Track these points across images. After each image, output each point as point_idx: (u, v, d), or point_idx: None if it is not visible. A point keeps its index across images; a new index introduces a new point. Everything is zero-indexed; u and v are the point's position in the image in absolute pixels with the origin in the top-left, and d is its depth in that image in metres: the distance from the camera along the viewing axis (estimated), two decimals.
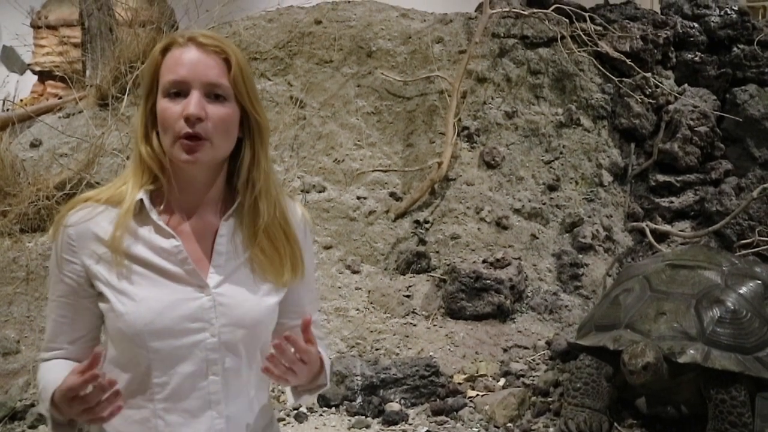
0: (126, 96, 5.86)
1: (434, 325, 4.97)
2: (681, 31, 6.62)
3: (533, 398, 4.22)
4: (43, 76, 11.37)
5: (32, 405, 4.07)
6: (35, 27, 11.39)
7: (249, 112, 1.79)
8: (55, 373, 1.73)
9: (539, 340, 4.91)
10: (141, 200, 1.76)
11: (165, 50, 1.76)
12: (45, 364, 1.82)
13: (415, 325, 4.96)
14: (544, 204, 5.89)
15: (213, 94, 1.73)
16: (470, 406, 4.18)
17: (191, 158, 1.71)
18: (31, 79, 11.61)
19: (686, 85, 6.48)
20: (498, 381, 4.46)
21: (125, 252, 1.74)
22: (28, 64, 11.60)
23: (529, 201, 5.86)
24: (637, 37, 6.34)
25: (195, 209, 1.82)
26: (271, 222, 1.83)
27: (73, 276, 1.76)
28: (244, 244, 1.83)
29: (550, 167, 6.07)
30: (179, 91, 1.71)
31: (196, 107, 1.69)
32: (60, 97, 7.91)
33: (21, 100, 8.47)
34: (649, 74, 6.28)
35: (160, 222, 1.77)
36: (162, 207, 1.80)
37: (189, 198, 1.81)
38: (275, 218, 1.84)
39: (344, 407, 4.18)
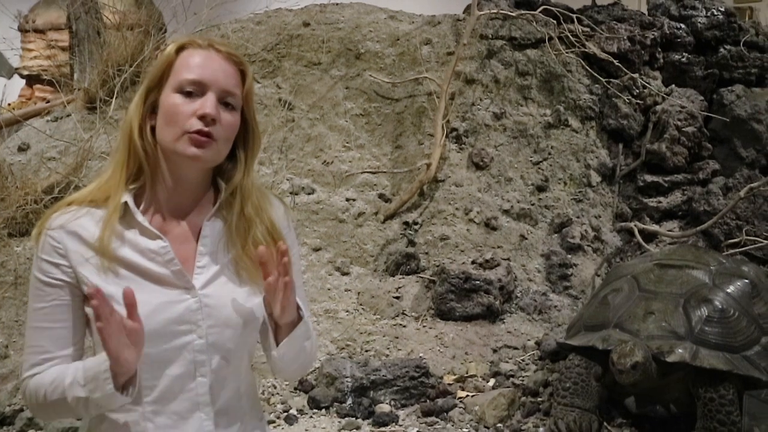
0: (114, 99, 5.84)
1: (424, 326, 4.98)
2: (668, 32, 6.64)
3: (523, 398, 4.22)
4: (31, 79, 11.30)
5: (21, 410, 4.05)
6: (23, 31, 11.34)
7: (249, 124, 1.85)
8: (75, 365, 1.70)
9: (529, 340, 4.92)
10: (126, 202, 1.76)
11: (180, 49, 1.79)
12: (49, 371, 1.73)
13: (404, 327, 4.96)
14: (532, 205, 5.91)
15: (225, 102, 1.77)
16: (460, 407, 4.19)
17: (198, 153, 1.73)
18: (18, 83, 11.55)
19: (673, 85, 6.50)
20: (488, 381, 4.47)
21: (112, 255, 1.73)
22: (16, 68, 11.53)
23: (518, 202, 5.88)
24: (625, 38, 6.36)
25: (179, 211, 1.83)
26: (258, 228, 1.85)
27: (65, 277, 1.74)
28: (228, 246, 1.83)
29: (539, 168, 6.08)
30: (194, 91, 1.74)
31: (213, 108, 1.73)
32: (48, 101, 7.87)
33: (9, 104, 8.43)
34: (636, 75, 6.31)
35: (146, 224, 1.77)
36: (145, 207, 1.80)
37: (177, 198, 1.82)
38: (263, 224, 1.86)
39: (334, 409, 4.17)
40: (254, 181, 1.89)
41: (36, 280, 1.76)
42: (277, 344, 1.83)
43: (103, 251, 1.73)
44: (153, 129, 1.79)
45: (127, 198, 1.77)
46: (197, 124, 1.72)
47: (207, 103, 1.73)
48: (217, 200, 1.86)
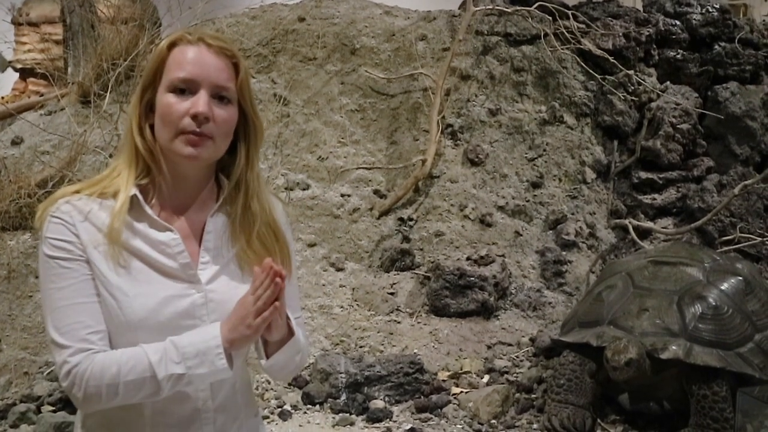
0: (108, 93, 5.82)
1: (418, 323, 4.98)
2: (663, 28, 6.65)
3: (517, 395, 4.23)
4: (25, 73, 11.30)
5: (14, 404, 4.04)
6: (16, 24, 11.32)
7: (249, 116, 1.82)
8: (152, 346, 1.66)
9: (523, 336, 4.92)
10: (134, 195, 1.75)
11: (172, 46, 1.77)
12: (116, 351, 1.67)
13: (399, 323, 4.96)
14: (527, 201, 5.91)
15: (219, 96, 1.75)
16: (454, 403, 4.19)
17: (194, 153, 1.71)
18: (12, 76, 11.54)
19: (668, 82, 6.51)
20: (482, 378, 4.47)
21: (122, 244, 1.72)
22: (10, 62, 11.52)
23: (513, 198, 5.88)
24: (620, 34, 6.37)
25: (184, 206, 1.82)
26: (262, 223, 1.84)
27: (82, 254, 1.69)
28: (232, 241, 1.83)
29: (534, 164, 6.08)
30: (186, 89, 1.72)
31: (205, 107, 1.71)
32: (42, 95, 7.86)
33: (2, 98, 8.42)
34: (631, 72, 6.31)
35: (155, 216, 1.76)
36: (153, 202, 1.79)
37: (179, 195, 1.81)
38: (266, 219, 1.85)
39: (328, 405, 4.17)
40: (259, 174, 1.87)
41: (51, 260, 1.69)
42: (267, 356, 1.82)
43: (114, 238, 1.71)
44: (152, 127, 1.78)
45: (135, 191, 1.76)
46: (191, 125, 1.70)
47: (199, 102, 1.70)
48: (219, 195, 1.85)
